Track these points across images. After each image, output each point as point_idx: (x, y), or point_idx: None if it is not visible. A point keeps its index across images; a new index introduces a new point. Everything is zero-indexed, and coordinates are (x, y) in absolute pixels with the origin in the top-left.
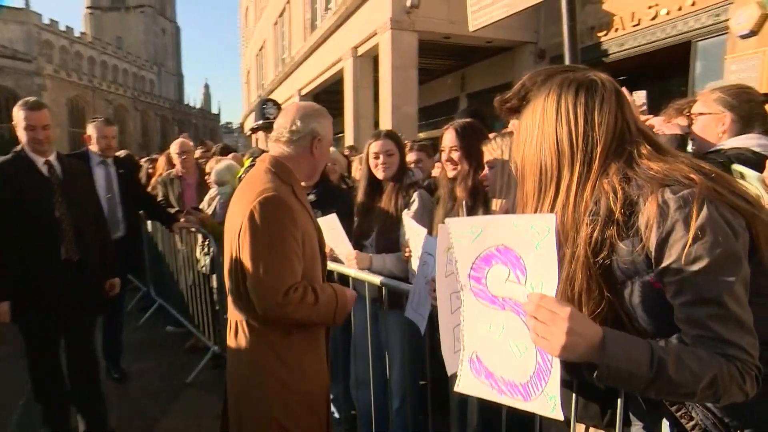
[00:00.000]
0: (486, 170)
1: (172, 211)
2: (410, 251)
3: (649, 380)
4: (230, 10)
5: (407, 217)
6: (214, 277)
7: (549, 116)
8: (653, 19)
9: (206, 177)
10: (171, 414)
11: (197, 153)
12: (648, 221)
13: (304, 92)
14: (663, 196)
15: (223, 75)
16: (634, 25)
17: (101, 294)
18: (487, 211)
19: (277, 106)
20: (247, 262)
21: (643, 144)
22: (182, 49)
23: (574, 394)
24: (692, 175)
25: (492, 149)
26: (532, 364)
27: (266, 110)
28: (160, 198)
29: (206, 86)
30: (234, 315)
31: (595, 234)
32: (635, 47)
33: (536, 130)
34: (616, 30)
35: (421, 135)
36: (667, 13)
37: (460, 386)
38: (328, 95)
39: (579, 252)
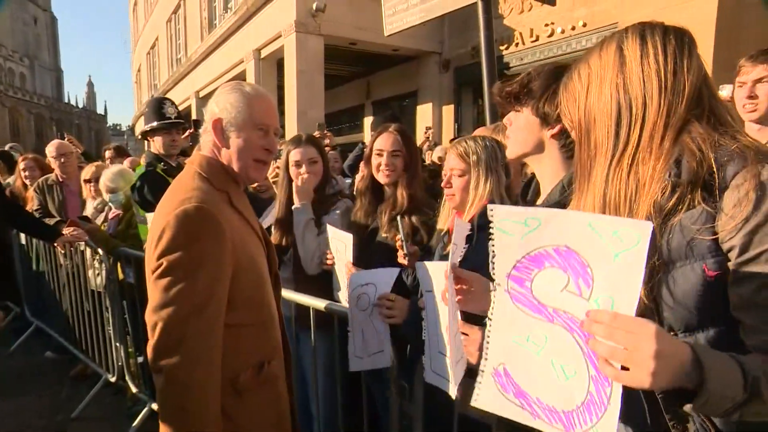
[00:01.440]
0: (449, 179)
1: (52, 222)
2: (333, 258)
3: (740, 403)
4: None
5: (330, 226)
6: (107, 296)
7: (632, 55)
8: (550, 36)
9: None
10: None
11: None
12: (739, 199)
13: (202, 94)
14: (764, 172)
15: (111, 72)
16: (533, 41)
17: None
18: (427, 227)
19: (176, 107)
20: (151, 291)
21: (724, 109)
22: (61, 42)
23: None
24: None
25: (463, 153)
26: (581, 393)
27: (165, 109)
28: (36, 207)
29: (90, 84)
30: None
31: (663, 198)
32: (534, 61)
33: (611, 73)
34: (517, 44)
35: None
36: (562, 32)
37: (479, 401)
38: None
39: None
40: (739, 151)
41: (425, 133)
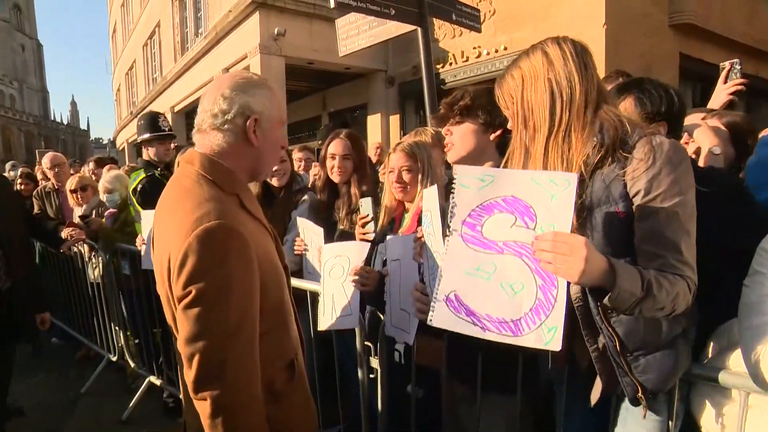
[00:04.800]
0: (399, 175)
1: (51, 225)
2: (305, 245)
3: (640, 299)
4: (98, 28)
5: (301, 218)
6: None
7: (556, 56)
8: (478, 57)
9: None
10: (69, 424)
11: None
12: (641, 156)
13: (177, 109)
14: (657, 138)
15: (93, 91)
16: (464, 61)
17: (33, 330)
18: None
19: (168, 121)
20: (181, 320)
21: (610, 96)
22: (47, 65)
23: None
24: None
25: (411, 152)
26: (529, 301)
27: (160, 123)
28: (36, 211)
29: (73, 102)
30: None
31: (591, 156)
32: (466, 78)
33: (542, 70)
34: (451, 64)
35: (293, 148)
36: (488, 54)
37: (434, 321)
38: None
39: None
40: (639, 124)
41: (376, 151)
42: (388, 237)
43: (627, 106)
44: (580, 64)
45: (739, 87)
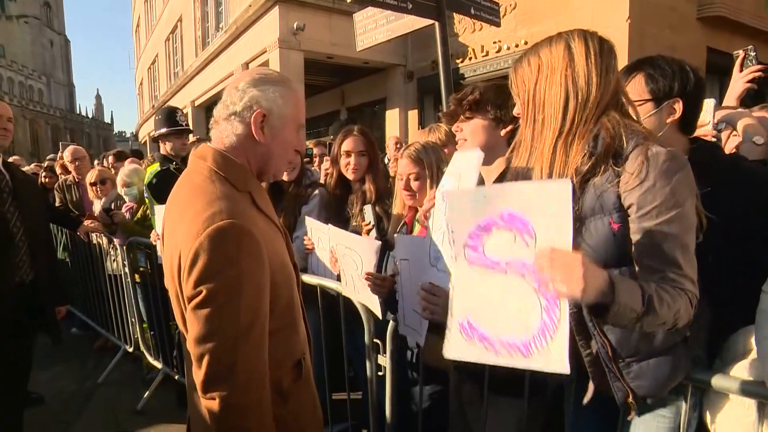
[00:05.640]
0: (407, 182)
1: (72, 217)
2: (313, 244)
3: (641, 315)
4: (122, 23)
5: (309, 218)
6: (123, 278)
7: (579, 53)
8: (498, 51)
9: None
10: (86, 413)
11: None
12: (635, 168)
13: (197, 103)
14: (653, 148)
15: (116, 85)
16: (484, 56)
17: (53, 321)
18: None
19: (185, 116)
20: (191, 319)
21: (630, 104)
22: (73, 60)
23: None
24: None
25: (416, 158)
26: (536, 323)
27: (178, 117)
28: (58, 203)
29: (98, 96)
30: None
31: (582, 165)
32: (485, 73)
33: (560, 65)
34: (470, 59)
35: (308, 143)
36: (508, 48)
37: (450, 352)
38: None
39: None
40: (639, 132)
41: (396, 146)
42: (396, 236)
43: (637, 84)
44: (602, 66)
45: (757, 74)
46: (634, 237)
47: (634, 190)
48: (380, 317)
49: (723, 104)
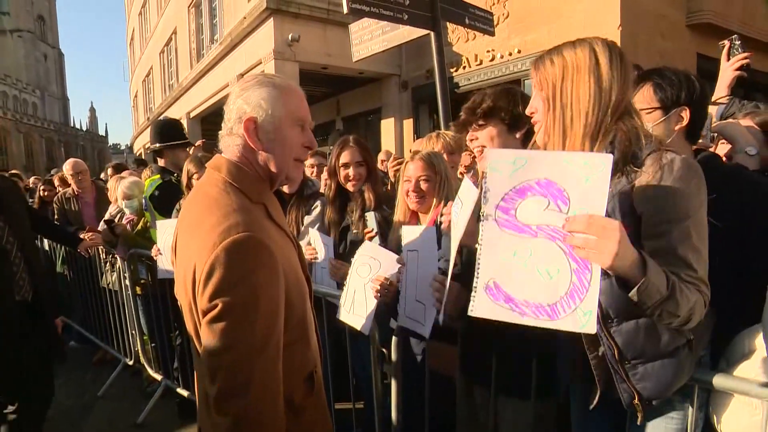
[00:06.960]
0: (417, 185)
1: (71, 229)
2: (314, 253)
3: (664, 299)
4: (116, 36)
5: (312, 230)
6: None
7: (603, 58)
8: (492, 60)
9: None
10: (86, 427)
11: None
12: (649, 174)
13: (192, 115)
14: (668, 155)
15: (111, 98)
16: (478, 64)
17: (56, 338)
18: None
19: (184, 129)
20: (205, 333)
21: (636, 114)
22: (67, 73)
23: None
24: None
25: (429, 162)
26: (564, 285)
27: (173, 131)
28: (56, 217)
29: (92, 109)
30: None
31: None
32: (479, 81)
33: (585, 67)
34: (464, 67)
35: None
36: (501, 57)
37: (474, 311)
38: (217, 117)
39: None
40: (652, 138)
41: (383, 163)
42: (404, 227)
43: (645, 93)
44: (622, 74)
45: (744, 61)
46: (648, 242)
47: (648, 195)
48: (366, 333)
49: (714, 94)
